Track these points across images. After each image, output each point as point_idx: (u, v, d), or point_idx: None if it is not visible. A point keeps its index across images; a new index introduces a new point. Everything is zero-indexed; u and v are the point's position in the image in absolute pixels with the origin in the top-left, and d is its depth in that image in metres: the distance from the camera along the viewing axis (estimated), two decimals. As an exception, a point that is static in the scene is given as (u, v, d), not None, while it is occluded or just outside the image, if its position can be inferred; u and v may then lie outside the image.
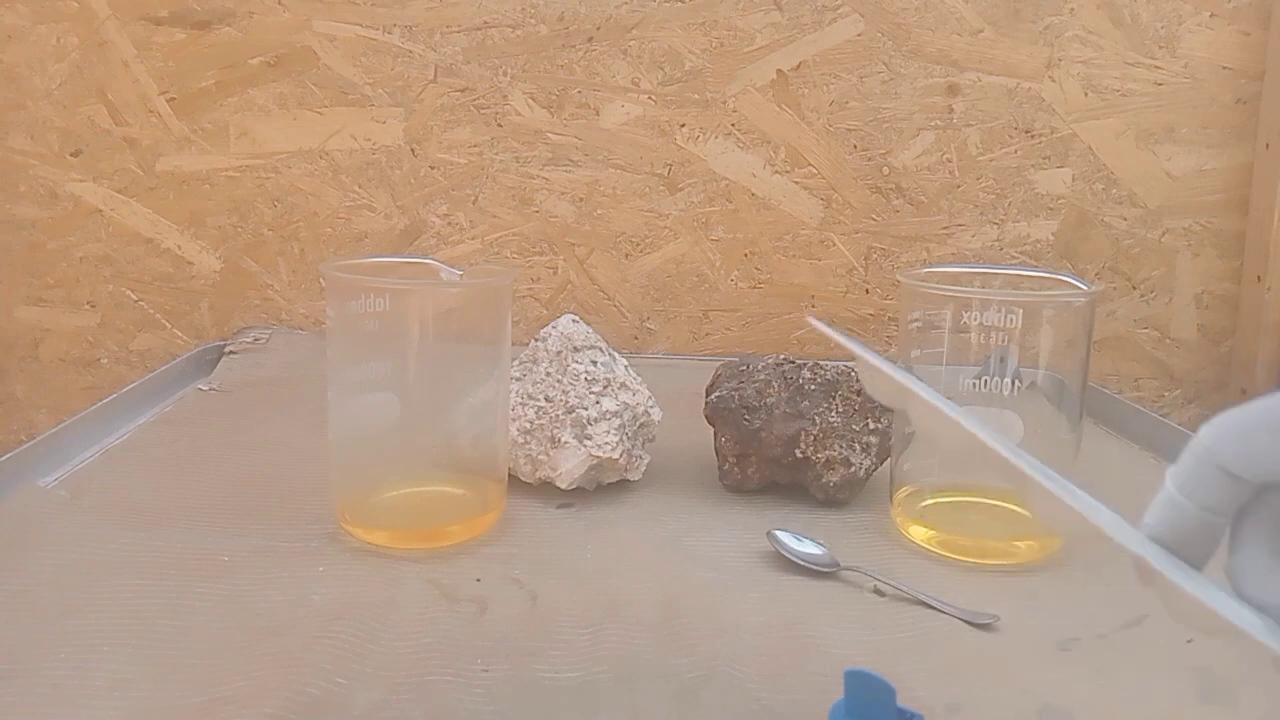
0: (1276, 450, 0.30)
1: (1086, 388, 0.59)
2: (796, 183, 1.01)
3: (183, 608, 0.49)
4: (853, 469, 0.63)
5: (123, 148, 0.99)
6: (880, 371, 0.33)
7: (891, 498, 0.61)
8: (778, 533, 0.57)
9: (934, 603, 0.51)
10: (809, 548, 0.56)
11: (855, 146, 1.00)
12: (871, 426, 0.64)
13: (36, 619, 0.47)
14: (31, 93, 0.97)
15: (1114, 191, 1.01)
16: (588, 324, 0.68)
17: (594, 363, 0.65)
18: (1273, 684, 0.46)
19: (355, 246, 1.01)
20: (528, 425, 0.63)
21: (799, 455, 0.63)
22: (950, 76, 0.98)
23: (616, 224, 1.01)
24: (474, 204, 1.01)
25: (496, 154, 0.99)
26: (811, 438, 0.63)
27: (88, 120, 0.98)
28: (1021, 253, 1.03)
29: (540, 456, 0.63)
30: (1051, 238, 1.02)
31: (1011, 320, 0.55)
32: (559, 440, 0.62)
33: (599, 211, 1.01)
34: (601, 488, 0.65)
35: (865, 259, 1.03)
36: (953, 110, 0.99)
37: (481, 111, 0.99)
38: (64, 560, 0.53)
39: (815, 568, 0.55)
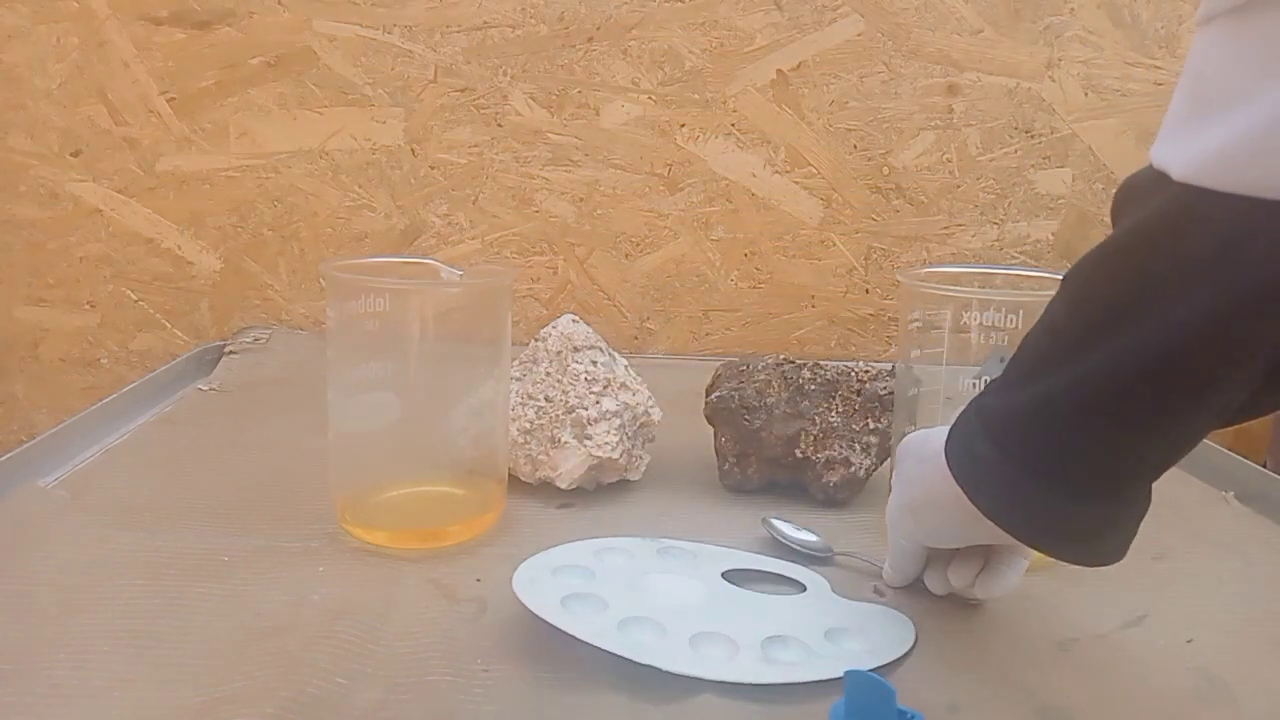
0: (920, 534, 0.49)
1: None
2: (796, 183, 1.01)
3: (183, 608, 0.49)
4: (853, 469, 0.63)
5: (123, 148, 0.99)
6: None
7: (891, 498, 0.61)
8: (774, 520, 0.59)
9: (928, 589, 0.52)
10: (805, 535, 0.58)
11: (855, 146, 1.00)
12: (871, 426, 0.64)
13: (36, 619, 0.47)
14: (31, 93, 0.97)
15: (1114, 191, 1.01)
16: (588, 324, 0.68)
17: (594, 363, 0.65)
18: (1273, 684, 0.46)
19: (355, 246, 1.01)
20: (528, 425, 0.63)
21: (799, 455, 0.63)
22: (950, 76, 0.98)
23: (616, 224, 1.01)
24: (474, 204, 1.01)
25: (496, 154, 1.00)
26: (811, 438, 0.63)
27: (88, 120, 0.98)
28: (1021, 253, 1.03)
29: (540, 456, 0.63)
30: (1051, 238, 1.02)
31: (1011, 320, 0.55)
32: (559, 440, 0.62)
33: (599, 211, 1.01)
34: (601, 488, 0.65)
35: (865, 259, 1.03)
36: (953, 110, 0.99)
37: (481, 111, 0.99)
38: (64, 560, 0.53)
39: (812, 553, 0.57)
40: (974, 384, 0.56)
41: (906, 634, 0.48)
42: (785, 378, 0.65)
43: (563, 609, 0.46)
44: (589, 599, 0.48)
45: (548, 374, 0.65)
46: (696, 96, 0.98)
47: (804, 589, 0.52)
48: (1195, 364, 0.34)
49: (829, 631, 0.48)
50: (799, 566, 0.55)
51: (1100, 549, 0.41)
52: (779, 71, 0.98)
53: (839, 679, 0.42)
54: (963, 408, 0.44)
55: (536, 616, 0.45)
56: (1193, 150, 0.32)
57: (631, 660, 0.43)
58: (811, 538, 0.58)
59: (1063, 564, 0.57)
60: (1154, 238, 0.34)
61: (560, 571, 0.51)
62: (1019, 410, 0.40)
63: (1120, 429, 0.37)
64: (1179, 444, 0.37)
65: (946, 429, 0.47)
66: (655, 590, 0.50)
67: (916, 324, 0.58)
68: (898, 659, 0.46)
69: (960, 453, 0.43)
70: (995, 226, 1.02)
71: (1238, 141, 0.31)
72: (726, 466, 0.66)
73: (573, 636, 0.44)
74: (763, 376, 0.65)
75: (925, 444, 0.47)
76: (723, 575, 0.53)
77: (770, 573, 0.54)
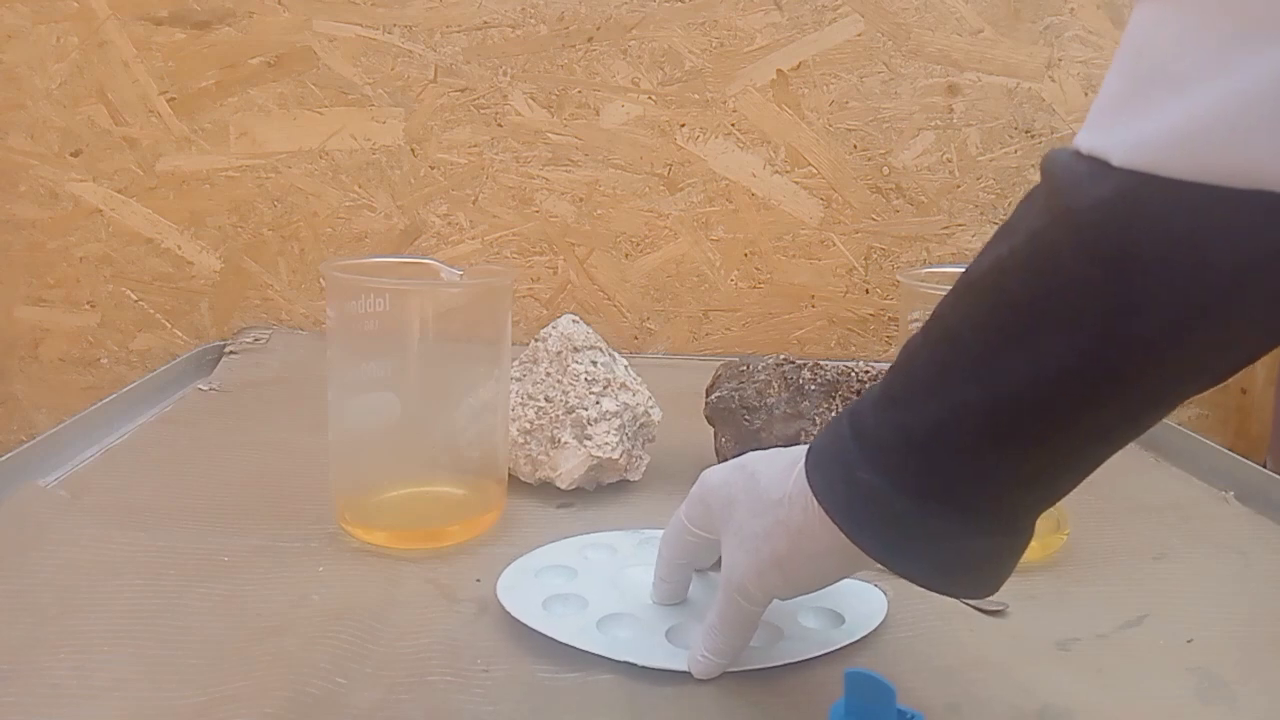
0: (709, 519, 0.44)
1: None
2: (796, 183, 1.01)
3: (183, 608, 0.49)
4: (853, 469, 0.63)
5: (123, 148, 0.98)
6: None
7: (891, 498, 0.61)
8: None
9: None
10: None
11: (855, 146, 1.00)
12: (871, 426, 0.64)
13: (36, 619, 0.47)
14: (31, 93, 0.97)
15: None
16: (588, 324, 0.68)
17: (594, 363, 0.65)
18: (1273, 684, 0.46)
19: (355, 246, 1.01)
20: (528, 425, 0.63)
21: (799, 455, 0.63)
22: (950, 76, 0.98)
23: (616, 224, 1.01)
24: (474, 204, 1.01)
25: (496, 154, 0.99)
26: (811, 438, 0.63)
27: (88, 120, 0.98)
28: (1021, 253, 1.03)
29: (540, 456, 0.63)
30: (1051, 238, 1.02)
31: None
32: (559, 440, 0.62)
33: (599, 211, 1.01)
34: (601, 488, 0.65)
35: (865, 259, 1.03)
36: (953, 110, 0.99)
37: (481, 111, 0.99)
38: (64, 560, 0.53)
39: None
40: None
41: (879, 608, 0.49)
42: (785, 378, 0.65)
43: (544, 611, 0.47)
44: (570, 599, 0.49)
45: (548, 374, 0.65)
46: (696, 96, 0.98)
47: None
48: (1141, 378, 0.30)
49: (802, 612, 0.49)
50: None
51: (991, 583, 0.36)
52: (779, 71, 0.98)
53: (814, 659, 0.44)
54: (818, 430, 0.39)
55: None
56: (1139, 133, 0.27)
57: (611, 658, 0.44)
58: None
59: (1063, 564, 0.57)
60: (1089, 232, 0.29)
61: (543, 573, 0.52)
62: (914, 431, 0.34)
63: (1043, 450, 0.32)
64: (1097, 462, 0.34)
65: (763, 460, 0.43)
66: (634, 584, 0.50)
67: (916, 324, 0.58)
68: (874, 637, 0.47)
69: (835, 485, 0.36)
70: (995, 226, 1.01)
71: (1200, 122, 0.26)
72: (726, 466, 0.66)
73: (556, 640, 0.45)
74: (763, 376, 0.65)
75: (757, 485, 0.42)
76: None
77: None
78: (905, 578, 0.36)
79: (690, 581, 0.49)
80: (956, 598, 0.37)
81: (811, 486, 0.38)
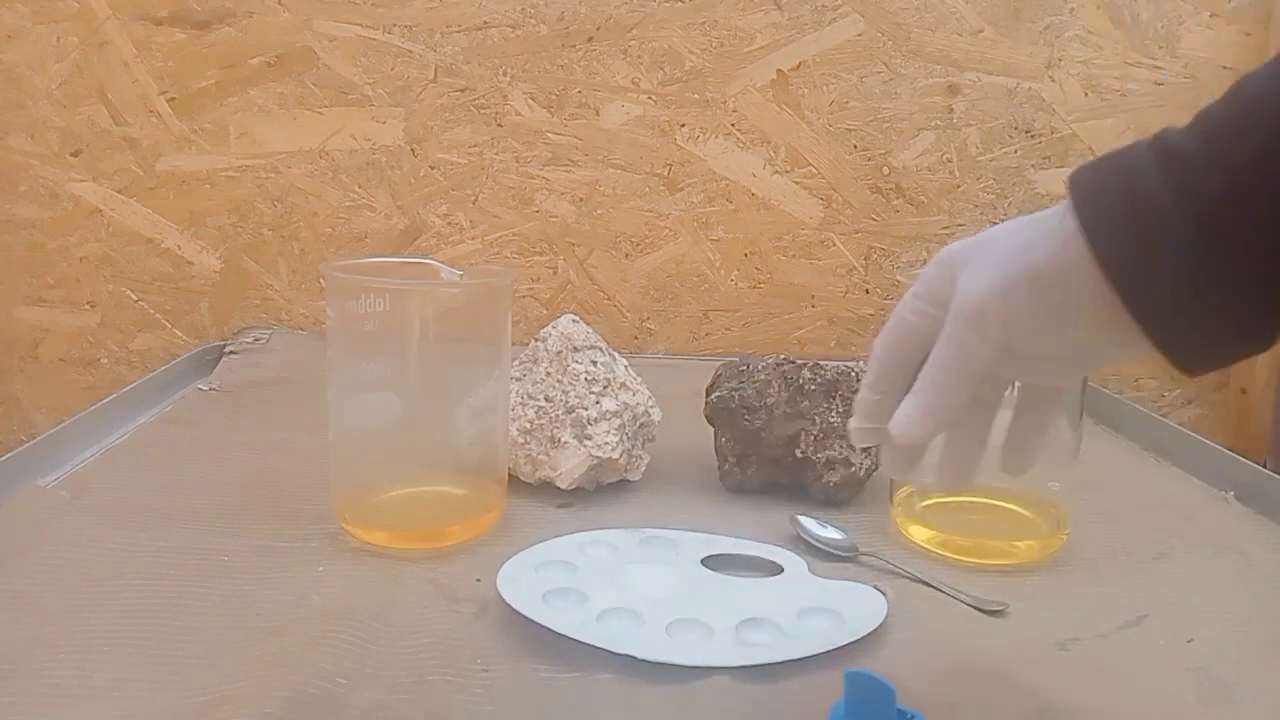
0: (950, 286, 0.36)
1: (1087, 388, 0.58)
2: (796, 183, 1.01)
3: (183, 608, 0.49)
4: (853, 469, 0.63)
5: (123, 148, 0.99)
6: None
7: (891, 498, 0.61)
8: (800, 518, 0.59)
9: (946, 589, 0.52)
10: (831, 533, 0.58)
11: (855, 146, 1.00)
12: (871, 426, 0.64)
13: (36, 619, 0.47)
14: (31, 93, 0.97)
15: None
16: (588, 324, 0.68)
17: (594, 363, 0.65)
18: (1273, 684, 0.46)
19: (355, 246, 1.01)
20: (528, 425, 0.63)
21: (799, 455, 0.63)
22: (950, 76, 0.98)
23: (616, 224, 1.01)
24: (474, 204, 1.01)
25: (496, 154, 1.00)
26: (811, 438, 0.63)
27: (88, 120, 0.98)
28: (1021, 253, 1.03)
29: (540, 456, 0.63)
30: (1051, 238, 1.02)
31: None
32: (559, 440, 0.62)
33: (599, 211, 1.01)
34: (601, 488, 0.65)
35: (865, 259, 1.03)
36: (953, 110, 0.99)
37: (481, 111, 0.99)
38: (64, 560, 0.53)
39: (837, 552, 0.57)
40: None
41: (878, 609, 0.49)
42: (785, 378, 0.65)
43: (544, 604, 0.47)
44: (570, 593, 0.49)
45: (548, 374, 0.65)
46: (696, 96, 0.98)
47: (781, 570, 0.53)
48: None
49: (802, 611, 0.49)
50: (777, 548, 0.56)
51: (1205, 361, 0.33)
52: (779, 71, 0.98)
53: (813, 656, 0.44)
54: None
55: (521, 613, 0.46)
56: None
57: (610, 650, 0.44)
58: (837, 535, 0.58)
59: (1063, 564, 0.57)
60: None
61: (543, 567, 0.52)
62: (1226, 150, 0.30)
63: None
64: None
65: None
66: (635, 580, 0.51)
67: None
68: (874, 637, 0.47)
69: (1103, 189, 0.32)
70: (995, 226, 1.02)
71: None
72: (726, 466, 0.66)
73: (555, 632, 0.45)
74: (763, 376, 0.65)
75: (1017, 221, 0.37)
76: (702, 561, 0.54)
77: (750, 556, 0.55)
78: (1129, 307, 0.32)
79: (899, 400, 0.39)
80: (1160, 350, 0.32)
81: (1073, 192, 0.33)
